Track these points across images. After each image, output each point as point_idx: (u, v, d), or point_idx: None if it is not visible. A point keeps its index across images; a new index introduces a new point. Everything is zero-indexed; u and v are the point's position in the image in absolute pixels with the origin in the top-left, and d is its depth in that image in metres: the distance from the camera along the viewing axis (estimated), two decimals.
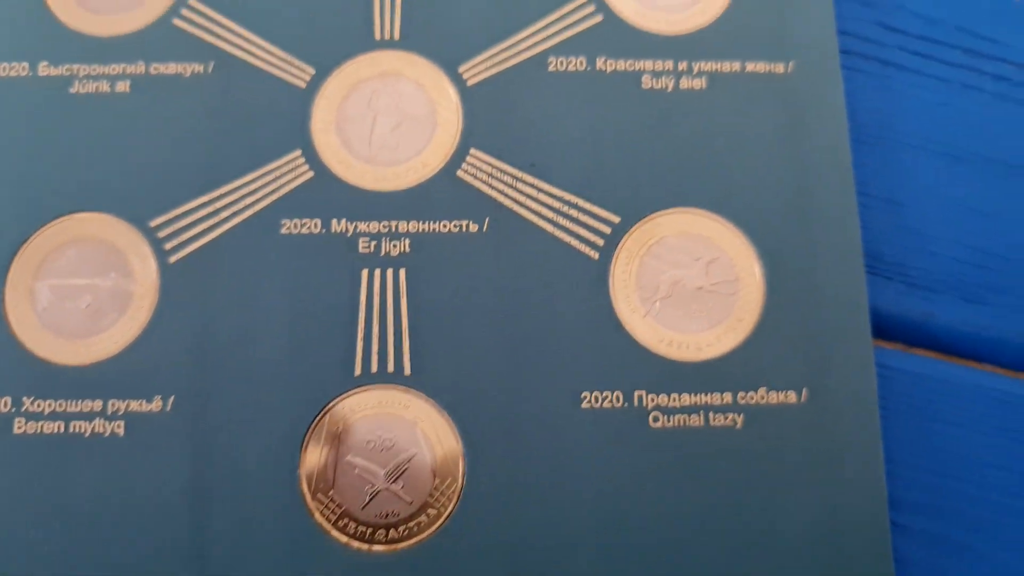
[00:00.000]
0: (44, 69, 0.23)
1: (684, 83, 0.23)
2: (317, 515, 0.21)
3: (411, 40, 0.24)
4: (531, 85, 0.23)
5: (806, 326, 0.22)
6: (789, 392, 0.22)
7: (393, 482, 0.21)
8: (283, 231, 0.22)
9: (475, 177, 0.23)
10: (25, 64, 0.23)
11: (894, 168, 0.24)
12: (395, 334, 0.22)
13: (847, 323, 0.22)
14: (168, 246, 0.22)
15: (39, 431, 0.21)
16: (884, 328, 0.23)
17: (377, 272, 0.22)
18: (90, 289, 0.22)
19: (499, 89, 0.23)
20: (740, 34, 0.24)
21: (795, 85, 0.24)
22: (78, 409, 0.21)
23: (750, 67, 0.24)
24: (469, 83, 0.23)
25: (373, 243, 0.22)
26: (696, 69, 0.24)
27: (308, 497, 0.21)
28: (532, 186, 0.23)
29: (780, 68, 0.24)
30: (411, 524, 0.21)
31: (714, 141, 0.23)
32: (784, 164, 0.23)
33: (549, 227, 0.22)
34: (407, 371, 0.22)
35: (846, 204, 0.23)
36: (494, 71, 0.23)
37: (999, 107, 0.25)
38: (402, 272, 0.22)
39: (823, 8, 0.24)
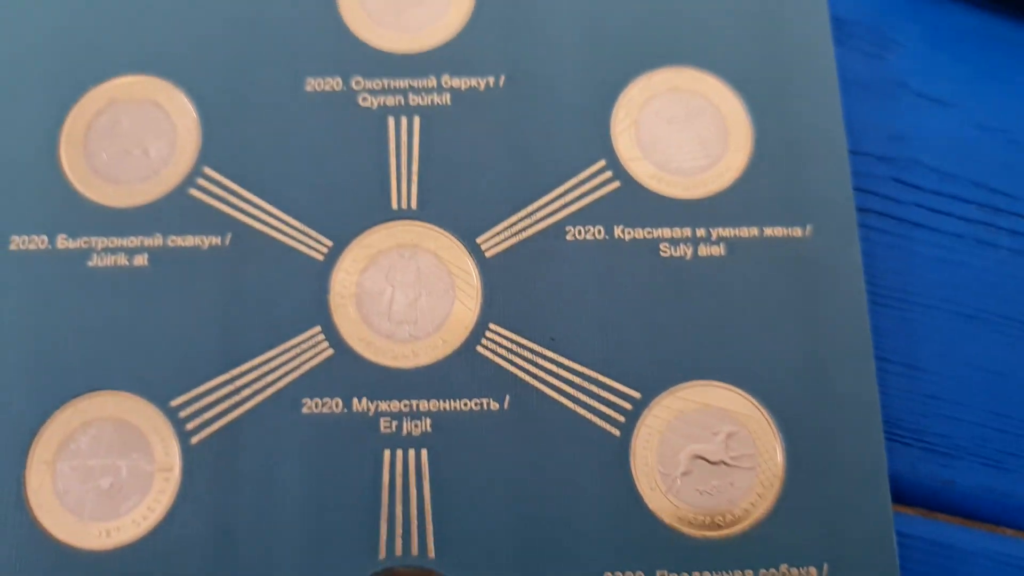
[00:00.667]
0: (62, 242, 0.24)
1: (703, 250, 0.24)
2: None
3: (428, 210, 0.24)
4: (550, 256, 0.24)
5: (826, 497, 0.23)
6: (810, 568, 0.22)
7: None
8: (304, 410, 0.23)
9: (495, 353, 0.23)
10: (44, 237, 0.24)
11: (912, 330, 0.25)
12: (418, 516, 0.22)
13: (867, 492, 0.23)
14: (190, 426, 0.23)
15: None
16: (903, 493, 0.24)
17: (399, 453, 0.22)
18: (111, 470, 0.23)
19: (518, 261, 0.24)
20: (757, 198, 0.24)
21: (813, 249, 0.24)
22: None
23: (768, 232, 0.24)
24: (487, 255, 0.24)
25: (394, 423, 0.23)
26: (714, 235, 0.24)
27: None
28: (552, 361, 0.23)
29: (798, 232, 0.24)
30: None
31: (732, 310, 0.24)
32: (802, 331, 0.24)
33: (570, 403, 0.23)
34: (431, 553, 0.22)
35: (864, 370, 0.23)
36: (512, 242, 0.24)
37: (1016, 263, 0.25)
38: (424, 453, 0.22)
39: (839, 168, 0.25)
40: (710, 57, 0.26)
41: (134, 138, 0.25)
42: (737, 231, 0.24)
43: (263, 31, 0.26)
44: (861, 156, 0.26)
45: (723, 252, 0.24)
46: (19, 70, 0.25)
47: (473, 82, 0.25)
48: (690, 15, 0.26)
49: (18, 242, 0.24)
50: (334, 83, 0.25)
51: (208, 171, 0.24)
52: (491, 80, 0.25)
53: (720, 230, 0.24)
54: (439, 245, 0.24)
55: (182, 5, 0.26)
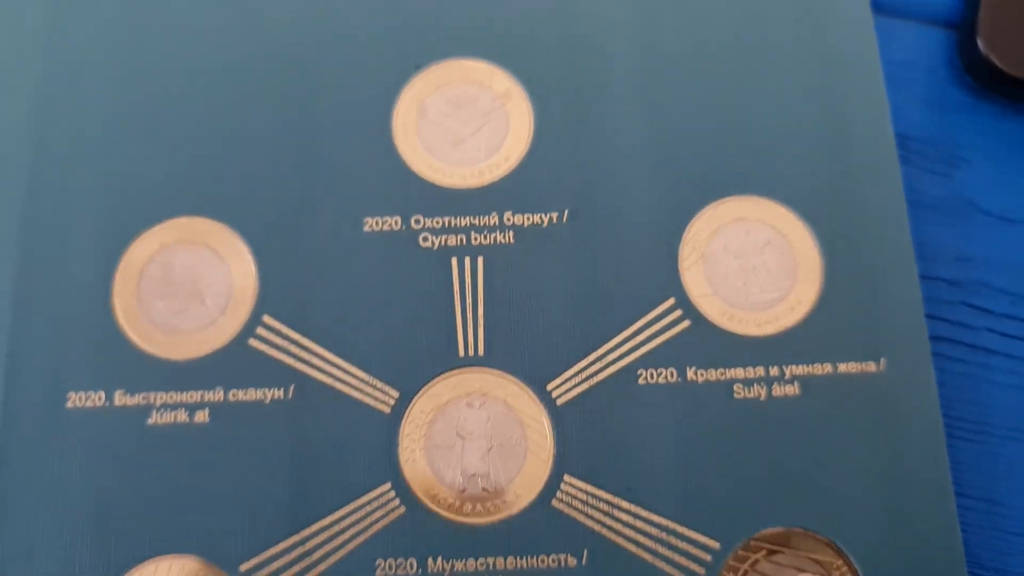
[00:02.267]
0: (121, 398, 0.24)
1: (776, 390, 0.25)
2: None
3: (496, 356, 0.25)
4: (622, 401, 0.24)
5: None
6: None
7: None
8: (379, 572, 0.23)
9: (570, 506, 0.24)
10: (101, 393, 0.24)
11: (990, 463, 0.25)
12: None
13: None
14: None
15: None
16: None
17: None
18: None
19: (590, 407, 0.24)
20: (830, 332, 0.25)
21: (888, 384, 0.25)
22: None
23: (842, 368, 0.25)
24: (559, 402, 0.24)
25: None
26: (788, 374, 0.25)
27: None
28: (629, 512, 0.24)
29: (872, 367, 0.25)
30: None
31: (808, 452, 0.24)
32: (880, 470, 0.24)
33: (648, 556, 0.23)
34: None
35: (945, 508, 0.24)
36: (583, 387, 0.24)
37: None
38: None
39: (911, 295, 0.25)
40: (775, 184, 0.26)
41: (188, 285, 0.25)
42: (811, 368, 0.25)
43: (317, 169, 0.26)
44: (930, 281, 0.27)
45: (797, 391, 0.25)
46: (69, 218, 0.26)
47: (536, 218, 0.26)
48: (752, 142, 0.27)
49: (75, 399, 0.24)
50: (393, 222, 0.26)
51: (268, 319, 0.25)
52: (554, 216, 0.26)
53: (793, 368, 0.25)
54: (509, 393, 0.24)
55: (232, 145, 0.26)
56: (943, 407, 0.25)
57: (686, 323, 0.25)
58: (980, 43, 0.28)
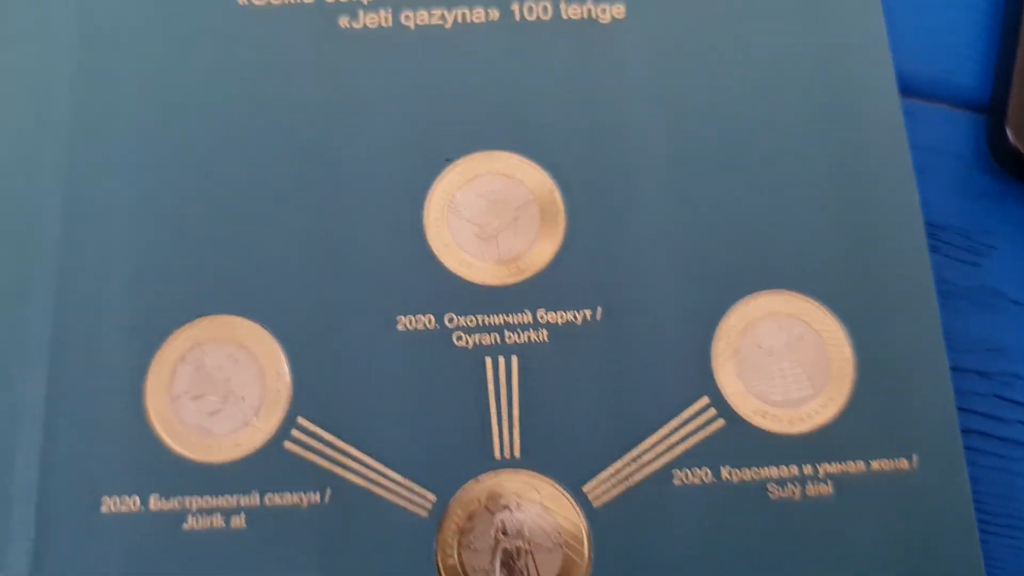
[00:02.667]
0: (156, 503, 0.24)
1: (811, 490, 0.25)
2: None
3: (532, 458, 0.25)
4: (658, 503, 0.25)
5: None
6: None
7: None
8: None
9: None
10: (136, 498, 0.24)
11: (1022, 559, 0.26)
12: None
13: None
14: None
15: None
16: None
17: None
18: None
19: (626, 509, 0.25)
20: (863, 430, 0.25)
21: (920, 481, 0.25)
22: None
23: (875, 465, 0.25)
24: (595, 504, 0.25)
25: None
26: (822, 472, 0.25)
27: None
28: None
29: (904, 464, 0.25)
30: None
31: (843, 553, 0.24)
32: (913, 568, 0.24)
33: None
34: None
35: None
36: (620, 489, 0.25)
37: None
38: None
39: (943, 390, 0.26)
40: (805, 278, 0.27)
41: (222, 385, 0.26)
42: (844, 466, 0.25)
43: (350, 266, 0.26)
44: (961, 373, 0.27)
45: (831, 490, 0.25)
46: (99, 318, 0.26)
47: (570, 316, 0.26)
48: (782, 235, 0.27)
49: (110, 504, 0.25)
50: (427, 320, 0.26)
51: (302, 421, 0.25)
52: (588, 313, 0.26)
53: (827, 466, 0.25)
54: (545, 495, 0.25)
55: (262, 241, 0.27)
56: (976, 501, 0.25)
57: (720, 422, 0.26)
58: (1009, 132, 0.29)
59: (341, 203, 0.27)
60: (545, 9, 0.29)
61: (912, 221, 0.28)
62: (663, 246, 0.27)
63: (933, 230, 0.29)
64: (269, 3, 0.29)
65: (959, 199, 0.29)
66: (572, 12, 0.29)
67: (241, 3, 0.29)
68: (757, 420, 0.26)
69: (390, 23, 0.29)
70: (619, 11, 0.29)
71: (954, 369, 0.27)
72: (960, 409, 0.26)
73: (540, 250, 0.27)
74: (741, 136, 0.28)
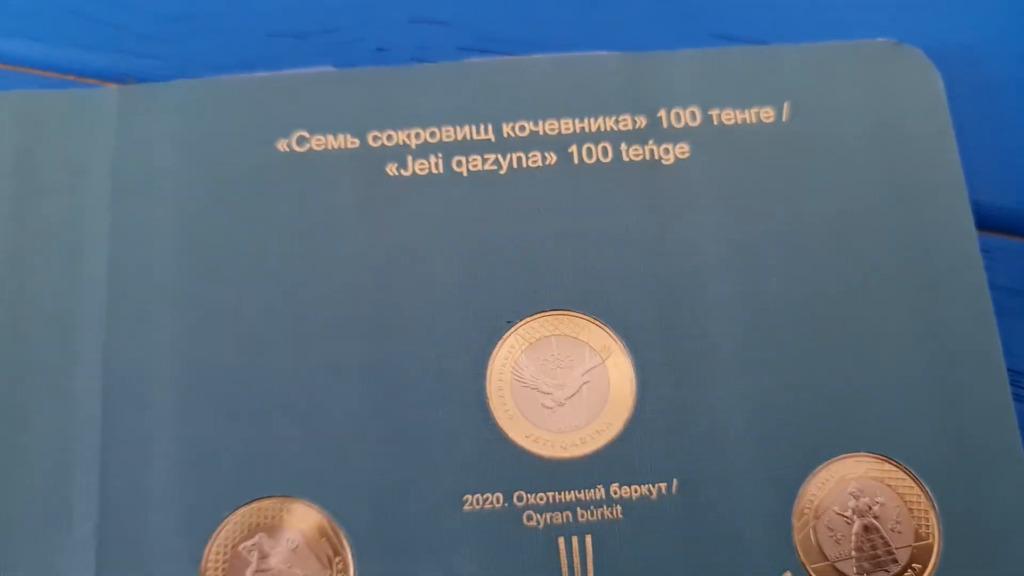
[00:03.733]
0: None
1: None
2: None
3: None
4: None
5: None
6: None
7: None
8: None
9: None
10: None
11: None
12: None
13: None
14: None
15: None
16: None
17: None
18: None
19: None
20: None
21: None
22: None
23: None
24: None
25: None
26: None
27: None
28: None
29: None
30: None
31: None
32: None
33: None
34: None
35: None
36: None
37: None
38: None
39: None
40: (886, 441, 0.26)
41: (284, 573, 0.25)
42: None
43: (410, 443, 0.26)
44: None
45: None
46: (145, 511, 0.25)
47: (644, 490, 0.26)
48: (859, 397, 0.27)
49: None
50: (495, 499, 0.25)
51: None
52: (663, 487, 0.26)
53: None
54: None
55: (316, 416, 0.26)
56: None
57: None
58: None
59: (396, 371, 0.27)
60: (605, 151, 0.29)
61: (994, 368, 0.27)
62: (739, 410, 0.27)
63: (1018, 377, 0.29)
64: (311, 149, 0.28)
65: None
66: (634, 153, 0.29)
67: (281, 149, 0.28)
68: None
69: (441, 169, 0.28)
70: (683, 151, 0.29)
71: None
72: None
73: (610, 420, 0.27)
74: (816, 287, 0.28)
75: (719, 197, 0.28)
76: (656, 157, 0.29)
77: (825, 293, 0.28)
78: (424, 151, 0.29)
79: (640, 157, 0.29)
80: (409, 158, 0.29)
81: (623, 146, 0.29)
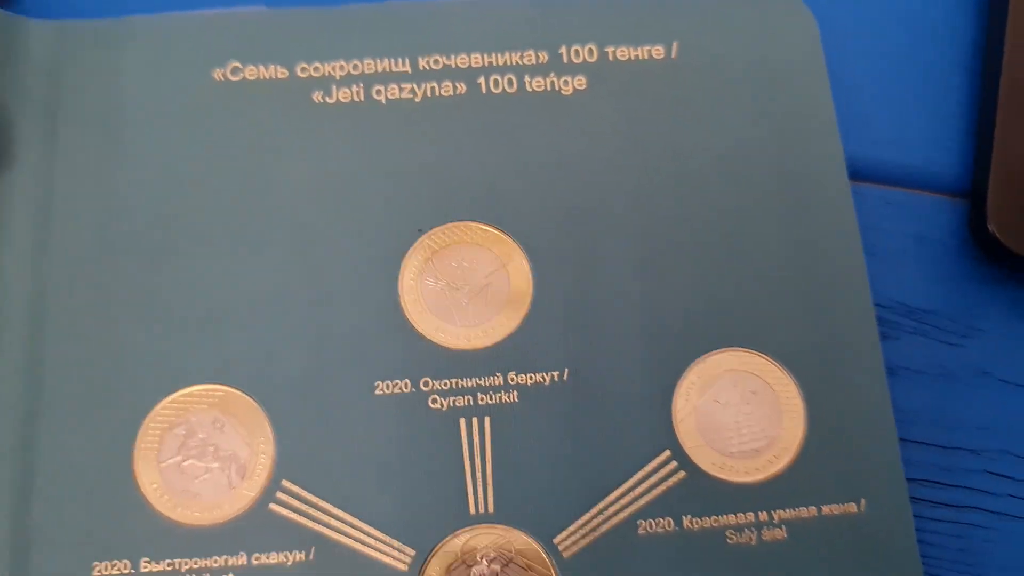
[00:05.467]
0: (146, 566, 0.28)
1: (766, 534, 0.28)
2: None
3: (505, 513, 0.28)
4: (624, 552, 0.28)
5: None
6: None
7: None
8: None
9: None
10: (127, 561, 0.28)
11: None
12: None
13: None
14: None
15: None
16: None
17: None
18: None
19: (594, 559, 0.28)
20: (814, 478, 0.29)
21: (868, 524, 0.29)
22: None
23: (825, 510, 0.29)
24: (565, 555, 0.28)
25: None
26: (776, 518, 0.29)
27: None
28: None
29: (853, 508, 0.29)
30: None
31: None
32: None
33: None
34: None
35: None
36: (588, 540, 0.28)
37: None
38: None
39: (888, 438, 0.30)
40: (762, 340, 0.30)
41: (208, 451, 0.29)
42: (797, 512, 0.29)
43: (329, 335, 0.30)
44: (952, 450, 0.31)
45: (785, 535, 0.29)
46: (88, 387, 0.29)
47: (539, 377, 0.29)
48: (739, 301, 0.31)
49: (101, 569, 0.27)
50: (403, 385, 0.29)
51: (286, 484, 0.28)
52: (555, 375, 0.30)
53: (781, 512, 0.29)
54: (518, 548, 0.28)
55: (244, 314, 0.30)
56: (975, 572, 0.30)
57: (682, 474, 0.29)
58: (989, 220, 0.33)
59: (320, 275, 0.31)
60: (510, 82, 0.33)
61: (859, 287, 0.31)
62: (627, 309, 0.31)
63: (921, 314, 0.33)
64: (244, 78, 0.32)
65: (945, 284, 0.34)
66: (536, 85, 0.33)
67: (217, 78, 0.32)
68: (716, 472, 0.29)
69: (362, 98, 0.32)
70: (581, 83, 0.33)
71: (945, 447, 0.31)
72: (953, 486, 0.31)
73: (510, 315, 0.31)
74: (701, 208, 0.32)
75: (614, 125, 0.33)
76: (556, 88, 0.33)
77: (709, 212, 0.32)
78: (347, 81, 0.33)
79: (542, 88, 0.33)
80: (333, 87, 0.33)
81: (527, 78, 0.33)
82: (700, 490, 0.29)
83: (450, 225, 0.32)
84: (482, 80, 0.33)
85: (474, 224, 0.32)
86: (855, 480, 0.30)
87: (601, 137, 0.33)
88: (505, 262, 0.31)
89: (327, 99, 0.33)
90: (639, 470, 0.29)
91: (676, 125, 0.33)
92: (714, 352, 0.31)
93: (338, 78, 0.33)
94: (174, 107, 0.32)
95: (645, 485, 0.29)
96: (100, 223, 0.31)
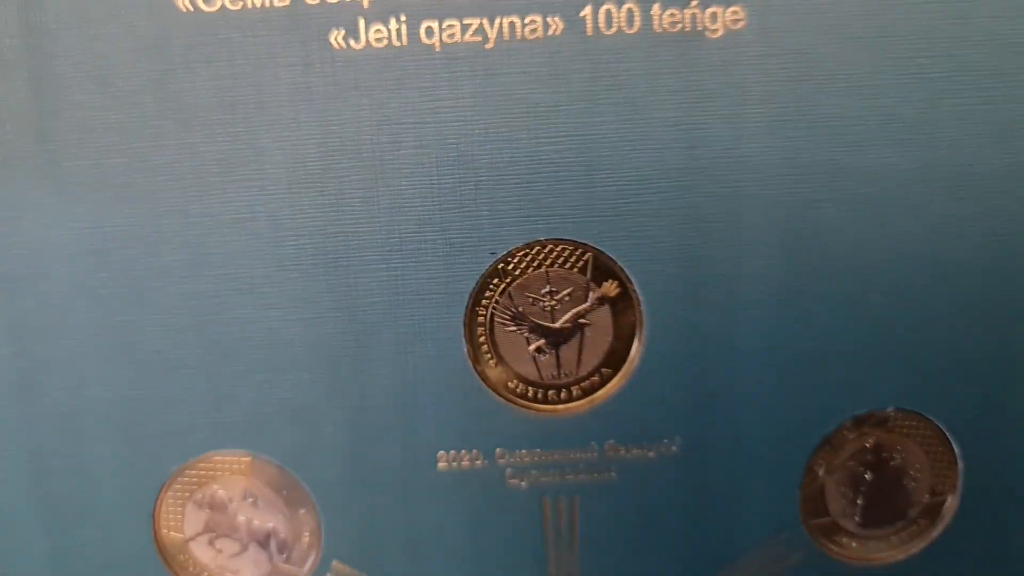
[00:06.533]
0: None
1: None
2: None
3: None
4: None
5: None
6: None
7: None
8: None
9: None
10: None
11: None
12: None
13: None
14: None
15: None
16: None
17: None
18: None
19: None
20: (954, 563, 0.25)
21: None
22: None
23: None
24: None
25: None
26: None
27: None
28: None
29: None
30: None
31: None
32: None
33: None
34: None
35: None
36: None
37: None
38: None
39: None
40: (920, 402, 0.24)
41: (242, 525, 0.24)
42: None
43: (377, 391, 0.23)
44: None
45: None
46: (110, 451, 0.24)
47: (642, 450, 0.24)
48: (897, 352, 0.24)
49: None
50: (472, 457, 0.24)
51: (337, 565, 0.24)
52: (663, 446, 0.24)
53: None
54: None
55: (272, 366, 0.23)
56: None
57: (798, 555, 0.25)
58: None
59: (357, 311, 0.23)
60: (630, 16, 0.22)
61: None
62: (758, 362, 0.24)
63: None
64: (224, 7, 0.21)
65: None
66: (667, 22, 0.22)
67: (183, 7, 0.21)
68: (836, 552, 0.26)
69: (404, 40, 0.22)
70: (736, 17, 0.22)
71: None
72: None
73: (611, 368, 0.24)
74: (894, 223, 0.23)
75: (782, 91, 0.23)
76: (699, 27, 0.22)
77: (878, 246, 0.23)
78: (381, 14, 0.22)
79: (677, 27, 0.22)
80: (361, 23, 0.22)
81: (655, 11, 0.22)
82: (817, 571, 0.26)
83: (535, 244, 0.23)
84: (587, 13, 0.22)
85: (565, 243, 0.23)
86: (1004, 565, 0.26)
87: (756, 111, 0.23)
88: (606, 296, 0.24)
89: (352, 43, 0.22)
90: (749, 551, 0.26)
91: (880, 94, 0.23)
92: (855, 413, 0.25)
93: (367, 6, 0.22)
94: (130, 55, 0.22)
95: (757, 566, 0.26)
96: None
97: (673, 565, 0.25)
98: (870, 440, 0.25)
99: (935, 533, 0.26)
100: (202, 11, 0.22)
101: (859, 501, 0.25)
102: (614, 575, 0.25)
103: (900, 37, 0.22)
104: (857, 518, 0.26)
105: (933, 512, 0.26)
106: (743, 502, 0.25)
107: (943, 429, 0.25)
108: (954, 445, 0.25)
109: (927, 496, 0.26)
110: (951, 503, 0.25)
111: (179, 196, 0.23)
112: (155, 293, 0.23)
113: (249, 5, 0.22)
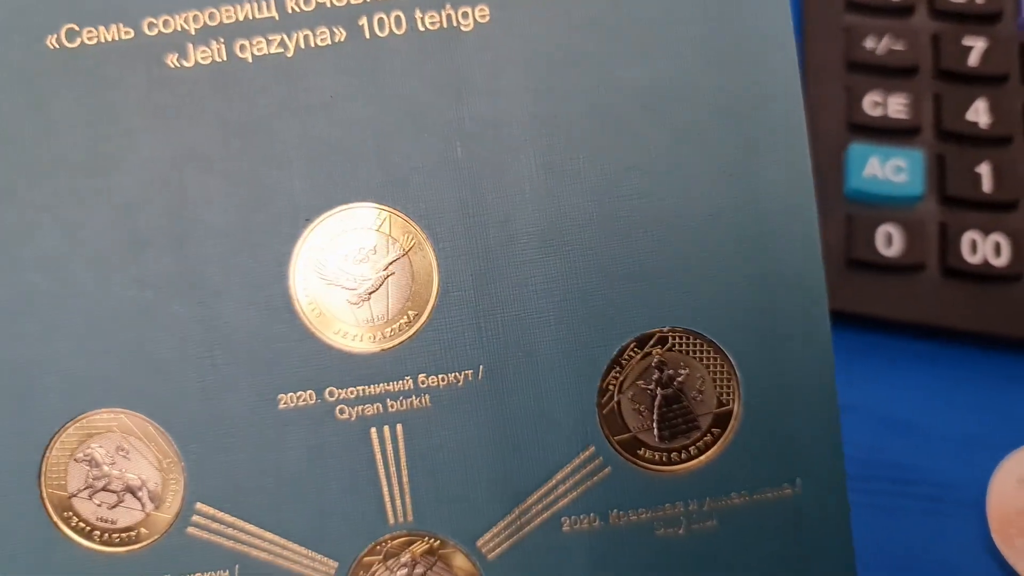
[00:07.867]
0: None
1: (695, 526, 0.29)
2: None
3: (426, 520, 0.29)
4: (549, 550, 0.29)
5: None
6: None
7: None
8: None
9: None
10: None
11: None
12: None
13: None
14: None
15: None
16: None
17: None
18: None
19: (519, 559, 0.29)
20: (747, 463, 0.29)
21: (802, 505, 0.29)
22: None
23: (757, 496, 0.29)
24: (489, 557, 0.29)
25: None
26: (707, 508, 0.29)
27: None
28: None
29: (788, 491, 0.29)
30: None
31: None
32: None
33: None
34: None
35: None
36: (512, 540, 0.29)
37: None
38: None
39: (829, 417, 0.29)
40: (695, 319, 0.29)
41: (116, 479, 0.29)
42: (728, 500, 0.29)
43: (223, 347, 0.28)
44: None
45: (716, 524, 0.29)
46: None
47: (451, 378, 0.28)
48: (667, 276, 0.29)
49: None
50: (307, 396, 0.28)
51: (201, 507, 0.29)
52: (468, 374, 0.28)
53: (711, 502, 0.29)
54: (441, 553, 0.29)
55: (142, 333, 0.29)
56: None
57: (607, 470, 0.29)
58: None
59: (203, 280, 0.29)
60: (398, 21, 0.29)
61: (810, 249, 0.29)
62: (543, 293, 0.29)
63: None
64: (83, 43, 0.28)
65: None
66: (429, 22, 0.29)
67: (51, 46, 0.29)
68: (642, 464, 0.29)
69: (224, 56, 0.28)
70: (483, 14, 0.28)
71: None
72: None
73: (415, 310, 0.29)
74: (627, 163, 0.29)
75: (523, 65, 0.29)
76: (455, 24, 0.29)
77: (637, 168, 0.29)
78: (204, 36, 0.29)
79: (437, 26, 0.29)
80: (189, 46, 0.29)
81: (417, 14, 0.29)
82: (626, 484, 0.29)
83: (339, 210, 0.29)
84: (364, 22, 0.29)
85: (368, 206, 0.29)
86: (791, 462, 0.29)
87: (509, 82, 0.29)
88: (406, 248, 0.29)
89: (183, 62, 0.29)
90: (562, 468, 0.29)
91: (600, 59, 0.29)
92: (637, 334, 0.29)
93: (193, 33, 0.29)
94: (4, 85, 0.29)
95: (570, 482, 0.29)
96: None
97: (492, 486, 0.29)
98: (654, 359, 0.29)
99: (728, 439, 0.29)
100: (67, 47, 0.29)
101: (655, 416, 0.29)
102: (442, 498, 0.29)
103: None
104: (655, 432, 0.29)
105: (723, 421, 0.29)
106: (548, 423, 0.29)
107: (718, 344, 0.29)
108: (731, 358, 0.29)
109: (715, 406, 0.29)
110: (736, 410, 0.29)
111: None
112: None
113: (102, 40, 0.29)
